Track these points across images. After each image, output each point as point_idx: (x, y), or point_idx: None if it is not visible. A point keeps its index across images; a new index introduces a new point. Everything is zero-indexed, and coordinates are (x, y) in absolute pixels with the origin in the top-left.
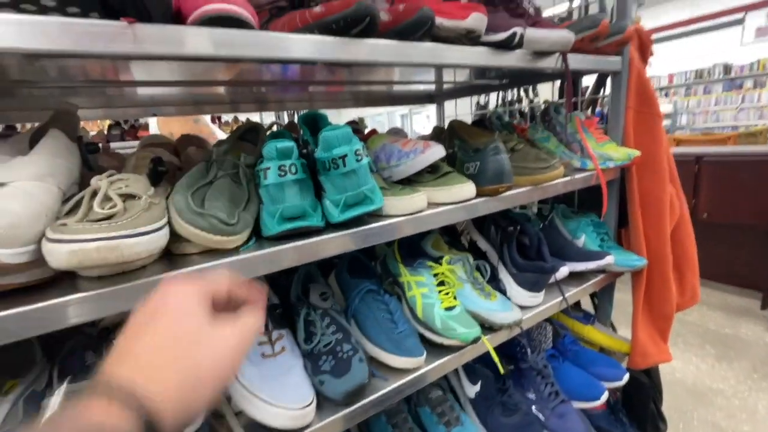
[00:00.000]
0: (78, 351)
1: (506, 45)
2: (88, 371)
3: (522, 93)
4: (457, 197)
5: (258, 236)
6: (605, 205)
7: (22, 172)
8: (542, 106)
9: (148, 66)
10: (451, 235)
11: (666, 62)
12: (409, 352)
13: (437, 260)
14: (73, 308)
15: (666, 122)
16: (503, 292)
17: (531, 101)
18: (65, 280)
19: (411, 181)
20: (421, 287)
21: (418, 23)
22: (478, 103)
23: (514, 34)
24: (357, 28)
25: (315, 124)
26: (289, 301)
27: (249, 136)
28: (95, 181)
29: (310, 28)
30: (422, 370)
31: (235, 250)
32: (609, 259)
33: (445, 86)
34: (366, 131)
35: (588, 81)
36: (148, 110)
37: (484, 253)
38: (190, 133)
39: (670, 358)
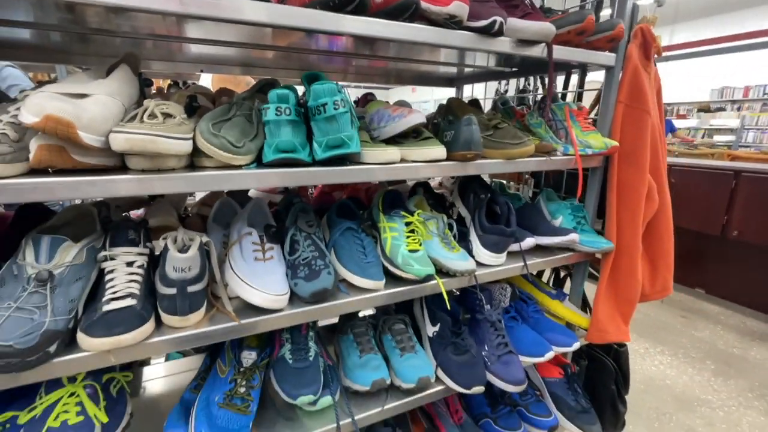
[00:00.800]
0: (123, 228)
1: (486, 31)
2: (129, 243)
3: (538, 82)
4: (428, 156)
5: (261, 164)
6: (580, 189)
7: (101, 89)
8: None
9: (202, 25)
10: (439, 203)
11: (743, 73)
12: (370, 276)
13: (412, 213)
14: (123, 184)
15: (728, 137)
16: (470, 250)
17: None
18: (121, 170)
19: (396, 142)
20: (393, 231)
21: (404, 6)
22: (497, 90)
23: (494, 21)
24: (350, 6)
25: (315, 80)
26: (284, 226)
27: (267, 89)
28: (146, 102)
29: (313, 4)
30: (381, 292)
31: (239, 167)
32: (573, 236)
33: (466, 71)
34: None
35: (599, 76)
36: (198, 66)
37: (464, 219)
38: (226, 88)
39: (628, 339)
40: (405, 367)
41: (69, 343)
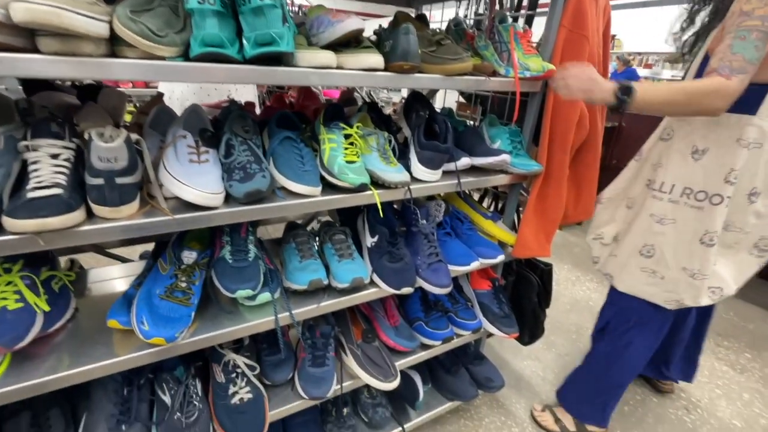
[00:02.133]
0: (45, 121)
1: None
2: (53, 136)
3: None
4: (364, 64)
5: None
6: (516, 112)
7: None
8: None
9: None
10: (385, 123)
11: None
12: (306, 182)
13: (351, 126)
14: (32, 64)
15: None
16: (408, 167)
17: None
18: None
19: (335, 50)
20: (331, 143)
21: None
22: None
23: None
24: None
25: None
26: (221, 133)
27: None
28: None
29: None
30: (315, 199)
31: (163, 59)
32: (504, 157)
33: None
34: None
35: None
36: None
37: (406, 138)
38: None
39: (548, 254)
40: (341, 271)
41: None
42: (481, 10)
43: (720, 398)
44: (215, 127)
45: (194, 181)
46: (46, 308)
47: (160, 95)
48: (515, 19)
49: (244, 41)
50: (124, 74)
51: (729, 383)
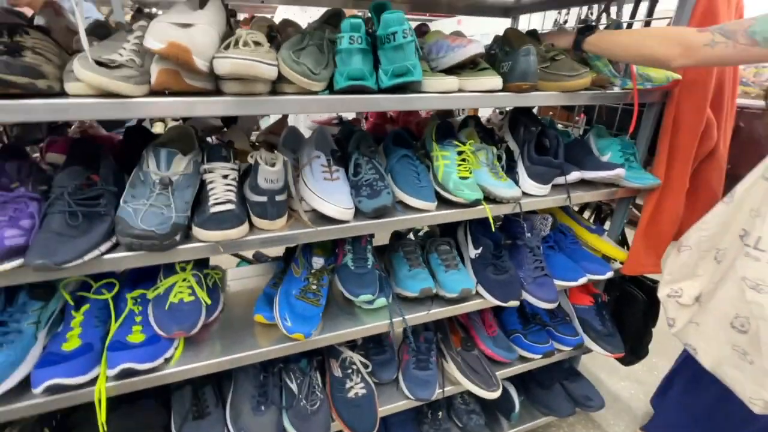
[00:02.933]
0: (217, 147)
1: None
2: (223, 159)
3: (602, 12)
4: (484, 86)
5: (331, 91)
6: (633, 123)
7: (202, 19)
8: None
9: None
10: (489, 136)
11: None
12: (423, 197)
13: (464, 143)
14: (227, 105)
15: None
16: (516, 180)
17: (611, 22)
18: (217, 94)
19: (453, 72)
20: (445, 159)
21: None
22: (556, 20)
23: None
24: None
25: (382, 10)
26: (346, 151)
27: (332, 20)
28: (239, 31)
29: None
30: (432, 213)
31: (315, 93)
32: (619, 171)
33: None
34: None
35: (671, 4)
36: None
37: (513, 152)
38: (288, 19)
39: (659, 271)
40: (449, 281)
41: (186, 236)
42: (584, 15)
43: None
44: (337, 145)
45: (331, 197)
46: (209, 301)
47: (285, 116)
48: (630, 26)
49: (381, 72)
50: (292, 108)
51: None
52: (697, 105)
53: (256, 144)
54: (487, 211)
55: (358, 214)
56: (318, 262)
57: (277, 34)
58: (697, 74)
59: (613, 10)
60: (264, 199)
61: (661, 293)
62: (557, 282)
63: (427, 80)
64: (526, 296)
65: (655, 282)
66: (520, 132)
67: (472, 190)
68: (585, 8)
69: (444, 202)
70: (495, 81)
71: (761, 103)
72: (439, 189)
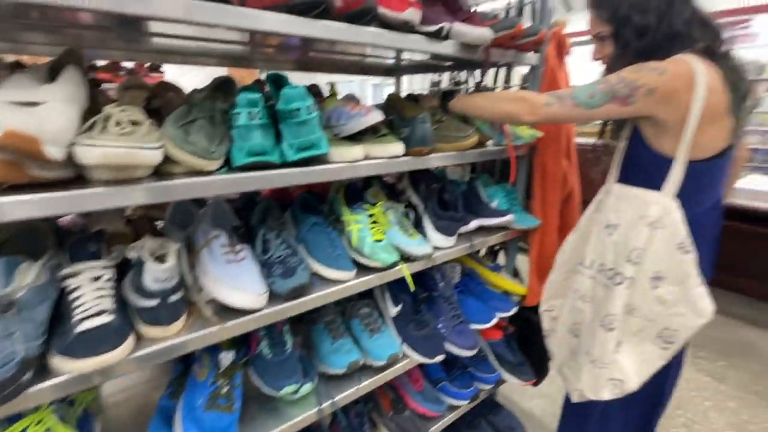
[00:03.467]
0: (83, 242)
1: (436, 35)
2: (91, 257)
3: (470, 75)
4: (389, 153)
5: (229, 167)
6: (513, 173)
7: (54, 94)
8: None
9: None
10: (390, 191)
11: None
12: (342, 267)
13: (373, 205)
14: (96, 198)
15: None
16: (424, 235)
17: (477, 83)
18: (81, 182)
19: (355, 138)
20: (357, 223)
21: (363, 12)
22: (431, 81)
23: (442, 27)
24: (315, 11)
25: (279, 82)
26: (250, 225)
27: (223, 87)
28: (108, 109)
29: (278, 7)
30: (351, 282)
31: (210, 173)
32: (509, 217)
33: (404, 62)
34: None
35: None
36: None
37: (415, 207)
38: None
39: None
40: (375, 347)
41: (42, 370)
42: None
43: (711, 410)
44: (238, 217)
45: (239, 282)
46: None
47: None
48: (493, 90)
49: (285, 146)
50: (184, 194)
51: (714, 394)
52: (555, 156)
53: (134, 221)
54: (405, 272)
55: (272, 296)
56: (227, 357)
57: (155, 99)
58: (551, 131)
59: (478, 73)
60: (155, 303)
61: (541, 308)
62: (473, 326)
63: (334, 150)
64: (449, 347)
65: None
66: (421, 188)
67: (388, 252)
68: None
69: (361, 268)
70: (397, 147)
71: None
72: (354, 255)
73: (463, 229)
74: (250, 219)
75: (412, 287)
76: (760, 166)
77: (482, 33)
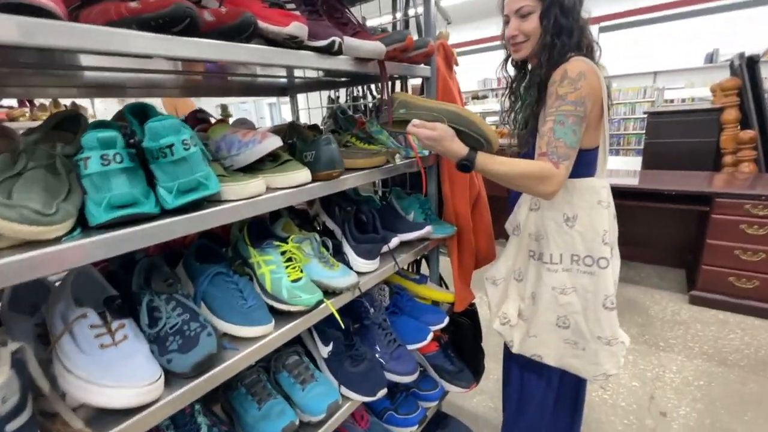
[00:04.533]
0: None
1: (327, 51)
2: None
3: (366, 90)
4: (294, 182)
5: (86, 226)
6: (425, 185)
7: None
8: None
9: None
10: (302, 219)
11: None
12: (257, 322)
13: (285, 240)
14: None
15: (495, 118)
16: (347, 262)
17: (374, 97)
18: None
19: (253, 169)
20: (269, 265)
21: (241, 27)
22: (329, 97)
23: (333, 41)
24: (178, 27)
25: (144, 114)
26: (130, 292)
27: (68, 124)
28: None
29: (126, 22)
30: (272, 335)
31: (57, 240)
32: (428, 229)
33: (297, 81)
34: (230, 119)
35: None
36: None
37: (332, 232)
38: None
39: (473, 298)
40: (310, 400)
41: None
42: (351, 93)
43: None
44: (112, 282)
45: (118, 374)
46: None
47: None
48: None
49: (161, 191)
50: (15, 279)
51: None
52: None
53: None
54: (331, 308)
55: (171, 376)
56: None
57: None
58: None
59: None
60: None
61: (495, 325)
62: (410, 346)
63: (228, 187)
64: (389, 376)
65: (472, 304)
66: (336, 212)
67: (309, 292)
68: (349, 88)
69: (282, 315)
70: (303, 174)
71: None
72: (271, 302)
73: (386, 248)
74: (129, 284)
75: (341, 324)
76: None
77: (375, 46)
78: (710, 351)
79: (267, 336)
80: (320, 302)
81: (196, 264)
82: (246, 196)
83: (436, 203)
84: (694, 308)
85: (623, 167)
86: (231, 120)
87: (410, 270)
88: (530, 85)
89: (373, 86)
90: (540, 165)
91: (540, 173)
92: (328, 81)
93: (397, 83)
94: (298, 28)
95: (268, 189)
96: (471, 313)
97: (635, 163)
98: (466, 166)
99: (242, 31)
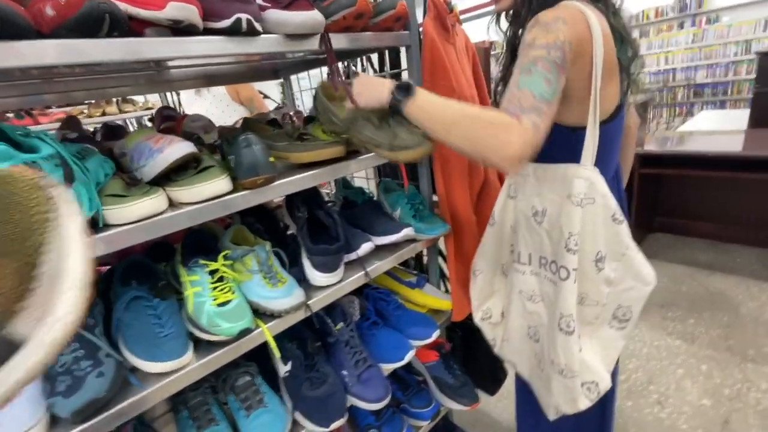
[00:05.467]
0: None
1: (235, 32)
2: None
3: (367, 62)
4: (200, 196)
5: None
6: (405, 178)
7: None
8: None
9: None
10: (270, 223)
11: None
12: (165, 356)
13: (214, 258)
14: None
15: None
16: (300, 276)
17: (375, 71)
18: None
19: (169, 180)
20: (195, 286)
21: (88, 18)
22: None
23: (239, 19)
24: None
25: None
26: None
27: None
28: None
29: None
30: (189, 368)
31: None
32: (406, 231)
33: (287, 61)
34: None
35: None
36: None
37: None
38: None
39: None
40: (253, 429)
41: None
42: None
43: (684, 378)
44: None
45: None
46: None
47: None
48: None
49: None
50: None
51: (686, 358)
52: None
53: None
54: (267, 334)
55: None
56: None
57: None
58: None
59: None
60: None
61: (476, 318)
62: (384, 366)
63: (112, 211)
64: (352, 401)
65: None
66: (294, 214)
67: (233, 320)
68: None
69: (206, 343)
70: (219, 184)
71: None
72: (191, 327)
73: (354, 255)
74: None
75: (277, 353)
76: (708, 101)
77: (308, 18)
78: None
79: (182, 369)
80: (246, 331)
81: (119, 286)
82: (134, 219)
83: (431, 193)
84: None
85: (724, 126)
86: (269, 103)
87: (415, 267)
88: (504, 44)
89: (374, 58)
90: (496, 112)
91: (491, 119)
92: (315, 58)
93: (386, 57)
94: (177, 9)
95: (178, 205)
96: None
97: (742, 118)
98: (397, 100)
99: (95, 24)
